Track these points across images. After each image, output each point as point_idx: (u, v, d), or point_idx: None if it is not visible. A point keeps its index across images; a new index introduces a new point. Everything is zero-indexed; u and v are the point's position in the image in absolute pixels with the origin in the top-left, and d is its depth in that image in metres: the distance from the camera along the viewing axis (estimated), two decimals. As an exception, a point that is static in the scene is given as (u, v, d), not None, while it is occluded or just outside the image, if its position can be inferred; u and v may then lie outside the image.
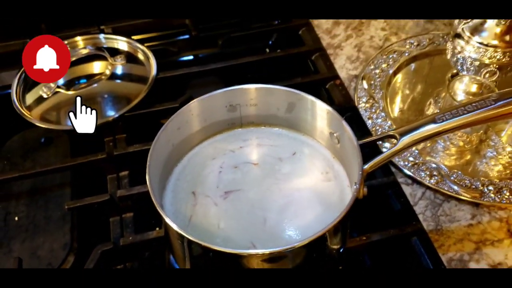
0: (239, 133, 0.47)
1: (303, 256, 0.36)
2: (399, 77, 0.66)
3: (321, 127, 0.44)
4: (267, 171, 0.43)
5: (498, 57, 0.56)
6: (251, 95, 0.44)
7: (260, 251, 0.35)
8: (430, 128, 0.39)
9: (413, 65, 0.67)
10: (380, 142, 0.48)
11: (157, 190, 0.40)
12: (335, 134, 0.43)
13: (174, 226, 0.34)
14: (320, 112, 0.43)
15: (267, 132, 0.47)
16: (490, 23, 0.56)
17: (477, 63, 0.55)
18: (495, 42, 0.56)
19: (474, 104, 0.40)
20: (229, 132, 0.47)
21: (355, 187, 0.37)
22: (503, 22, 0.55)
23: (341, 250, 0.43)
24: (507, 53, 0.56)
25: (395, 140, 0.40)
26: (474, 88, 0.58)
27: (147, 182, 0.37)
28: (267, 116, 0.46)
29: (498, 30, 0.55)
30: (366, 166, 0.39)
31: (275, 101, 0.45)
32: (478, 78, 0.56)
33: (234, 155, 0.45)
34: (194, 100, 0.43)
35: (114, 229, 0.48)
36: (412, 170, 0.54)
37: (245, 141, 0.46)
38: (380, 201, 0.51)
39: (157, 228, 0.47)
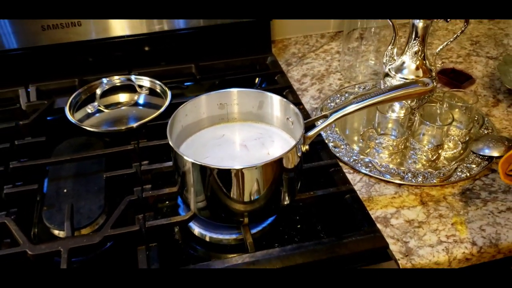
0: (228, 127, 0.69)
1: (271, 172, 0.55)
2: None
3: (280, 116, 0.66)
4: (242, 147, 0.65)
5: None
6: (234, 96, 0.67)
7: (237, 167, 0.54)
8: (350, 108, 0.61)
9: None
10: (320, 122, 0.67)
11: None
12: (290, 119, 0.65)
13: (184, 156, 0.55)
14: (279, 104, 0.65)
15: (245, 125, 0.69)
16: (408, 63, 0.80)
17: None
18: (412, 77, 0.80)
19: (376, 92, 0.62)
20: (219, 126, 0.69)
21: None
22: (417, 62, 0.79)
23: (294, 198, 0.63)
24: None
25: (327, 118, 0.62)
26: (397, 108, 0.80)
27: (168, 136, 0.58)
28: (245, 113, 0.68)
29: (413, 67, 0.80)
30: (308, 133, 0.60)
31: (250, 101, 0.67)
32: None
33: (222, 139, 0.67)
34: (197, 97, 0.65)
35: (137, 191, 0.67)
36: (353, 163, 0.75)
37: (231, 131, 0.68)
38: (328, 182, 0.71)
39: (167, 189, 0.66)
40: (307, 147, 0.60)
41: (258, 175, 0.55)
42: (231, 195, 0.56)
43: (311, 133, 0.61)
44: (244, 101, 0.67)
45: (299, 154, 0.59)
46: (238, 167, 0.54)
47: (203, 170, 0.55)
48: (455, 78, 0.94)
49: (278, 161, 0.55)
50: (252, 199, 0.58)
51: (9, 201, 0.67)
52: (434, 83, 0.72)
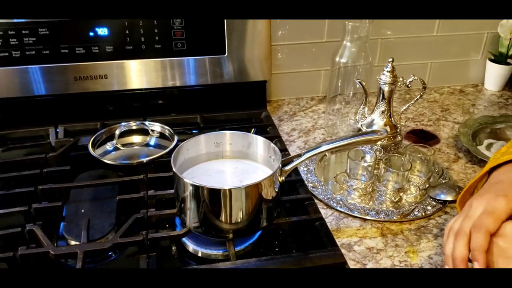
0: (221, 162, 0.84)
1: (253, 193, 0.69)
2: (332, 157, 1.03)
3: (264, 154, 0.81)
4: (233, 178, 0.79)
5: (382, 141, 0.95)
6: (227, 137, 0.82)
7: (226, 187, 0.68)
8: (322, 148, 0.76)
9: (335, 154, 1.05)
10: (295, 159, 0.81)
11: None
12: (271, 157, 0.79)
13: (184, 178, 0.69)
14: (263, 144, 0.80)
15: (234, 161, 0.83)
16: (377, 120, 0.96)
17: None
18: (379, 133, 0.95)
19: (342, 137, 0.77)
20: (214, 161, 0.84)
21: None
22: (384, 119, 0.95)
23: (272, 221, 0.76)
24: (386, 139, 0.95)
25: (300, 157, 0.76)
26: (368, 158, 0.95)
27: (172, 165, 0.73)
28: (236, 151, 0.83)
29: (381, 123, 0.95)
30: (285, 168, 0.75)
31: (241, 141, 0.82)
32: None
33: (216, 171, 0.81)
34: (198, 135, 0.81)
35: (143, 212, 0.81)
36: (326, 200, 0.88)
37: (224, 165, 0.83)
38: (303, 213, 0.85)
39: (168, 210, 0.80)
40: (283, 178, 0.74)
41: (242, 194, 0.69)
42: (220, 212, 0.70)
43: (287, 167, 0.75)
44: (235, 141, 0.82)
45: (276, 182, 0.73)
46: (226, 187, 0.68)
47: (197, 190, 0.69)
48: (423, 137, 1.09)
49: (258, 185, 0.69)
50: (236, 217, 0.71)
51: (36, 215, 0.81)
52: (387, 132, 0.87)
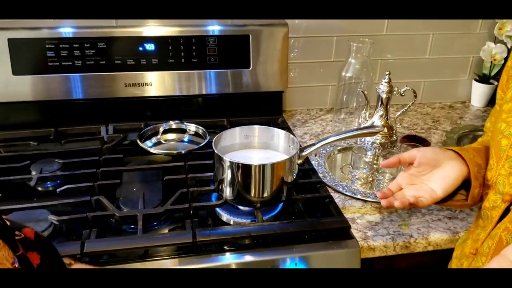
0: (250, 151, 1.03)
1: (277, 170, 0.88)
2: (338, 155, 1.22)
3: (285, 145, 1.00)
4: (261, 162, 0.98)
5: (380, 140, 1.14)
6: (256, 130, 1.02)
7: (256, 163, 0.87)
8: (331, 139, 0.95)
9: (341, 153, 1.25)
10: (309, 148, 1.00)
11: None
12: (290, 146, 0.99)
13: (223, 156, 0.88)
14: (284, 136, 1.00)
15: (261, 151, 1.03)
16: (376, 123, 1.15)
17: (371, 142, 1.13)
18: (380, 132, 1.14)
19: (346, 130, 0.96)
20: (244, 150, 1.03)
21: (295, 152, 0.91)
22: (382, 122, 1.14)
23: (291, 197, 0.95)
24: (383, 138, 1.15)
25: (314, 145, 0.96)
26: (369, 153, 1.14)
27: (214, 148, 0.92)
28: (262, 142, 1.03)
29: (380, 124, 1.15)
30: (301, 153, 0.94)
31: (266, 134, 1.02)
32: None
33: (246, 159, 1.00)
34: (233, 128, 1.00)
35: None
36: (334, 186, 1.07)
37: (252, 153, 1.02)
38: (315, 193, 1.03)
39: (207, 187, 0.98)
40: (300, 161, 0.94)
41: (269, 170, 0.88)
42: (250, 185, 0.89)
43: (304, 153, 0.95)
44: (262, 134, 1.02)
45: (294, 164, 0.92)
46: (257, 163, 0.88)
47: (233, 166, 0.88)
48: (415, 141, 1.28)
49: (282, 163, 0.89)
50: (264, 190, 0.90)
51: (99, 190, 1.00)
52: (385, 128, 1.07)
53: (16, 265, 0.49)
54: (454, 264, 0.88)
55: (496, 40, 1.48)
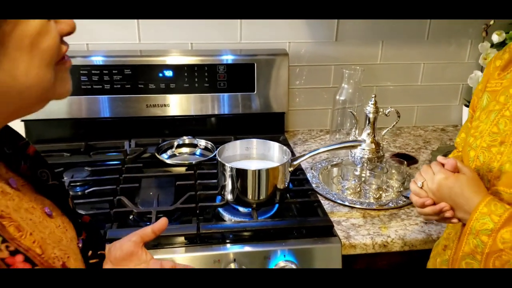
0: (249, 161, 1.19)
1: (271, 174, 1.04)
2: (332, 169, 1.37)
3: (279, 156, 1.16)
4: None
5: (367, 155, 1.29)
6: (254, 143, 1.18)
7: (253, 168, 1.03)
8: (320, 150, 1.10)
9: (336, 167, 1.39)
10: (300, 158, 1.16)
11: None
12: (284, 157, 1.14)
13: (225, 163, 1.05)
14: (278, 148, 1.15)
15: (259, 161, 1.19)
16: (364, 139, 1.30)
17: (360, 157, 1.28)
18: (368, 148, 1.29)
19: (333, 143, 1.11)
20: (244, 160, 1.19)
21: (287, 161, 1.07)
22: (370, 139, 1.29)
23: (284, 201, 1.10)
24: (371, 153, 1.30)
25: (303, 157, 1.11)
26: (358, 168, 1.28)
27: (217, 157, 1.09)
28: (260, 154, 1.19)
29: (368, 141, 1.30)
30: (293, 163, 1.09)
31: (264, 146, 1.18)
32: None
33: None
34: (234, 141, 1.17)
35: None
36: (325, 194, 1.22)
37: (251, 163, 1.18)
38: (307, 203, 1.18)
39: (211, 191, 1.14)
40: (292, 169, 1.09)
41: (264, 175, 1.04)
42: (247, 188, 1.05)
43: (295, 162, 1.10)
44: (259, 147, 1.18)
45: (287, 170, 1.08)
46: (253, 168, 1.04)
47: (233, 171, 1.05)
48: (404, 158, 1.42)
49: (275, 168, 1.04)
50: (259, 192, 1.06)
51: (121, 192, 1.17)
52: (367, 141, 1.22)
53: (80, 245, 0.58)
54: (431, 263, 1.00)
55: (482, 69, 1.62)
